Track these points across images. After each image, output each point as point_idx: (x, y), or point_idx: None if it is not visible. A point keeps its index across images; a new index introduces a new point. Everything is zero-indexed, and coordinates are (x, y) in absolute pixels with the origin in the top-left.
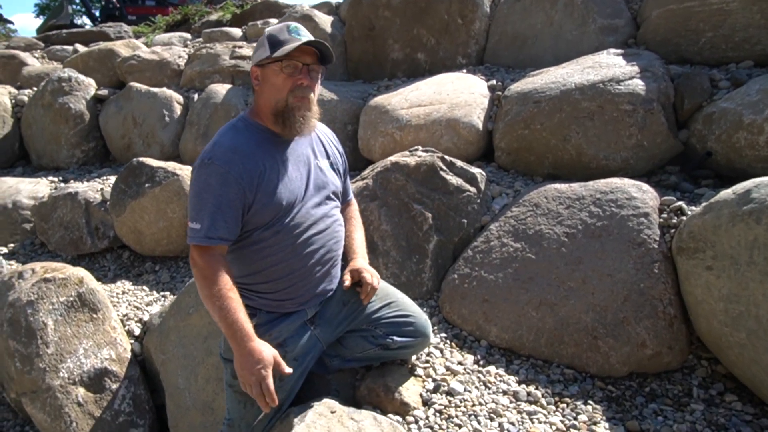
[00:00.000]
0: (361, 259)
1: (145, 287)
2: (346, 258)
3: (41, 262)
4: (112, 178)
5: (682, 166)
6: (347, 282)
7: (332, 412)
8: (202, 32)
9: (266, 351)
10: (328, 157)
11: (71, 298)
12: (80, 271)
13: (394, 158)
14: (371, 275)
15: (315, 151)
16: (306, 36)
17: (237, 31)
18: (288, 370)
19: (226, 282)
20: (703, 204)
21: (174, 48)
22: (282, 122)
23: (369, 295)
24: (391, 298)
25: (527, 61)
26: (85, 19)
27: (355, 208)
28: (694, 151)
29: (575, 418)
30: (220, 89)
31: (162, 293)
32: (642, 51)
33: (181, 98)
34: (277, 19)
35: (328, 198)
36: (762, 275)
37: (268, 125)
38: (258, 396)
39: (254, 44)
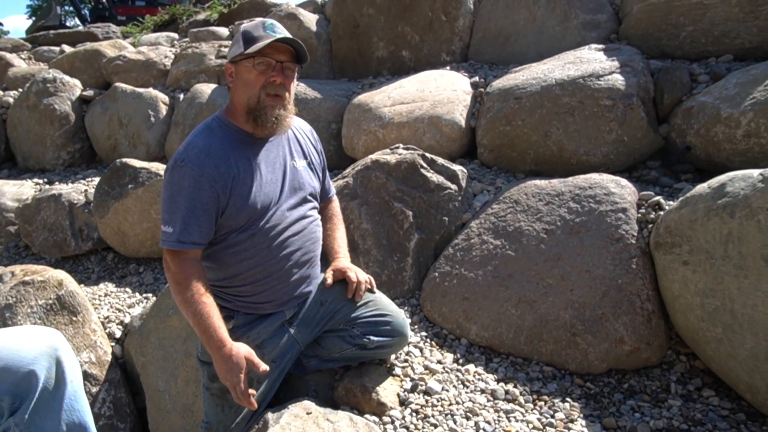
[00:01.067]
0: (343, 259)
1: (128, 289)
2: (327, 258)
3: (22, 265)
4: (97, 180)
5: (662, 160)
6: (329, 280)
7: (308, 413)
8: (189, 32)
9: (238, 354)
10: (305, 157)
11: (50, 301)
12: (60, 274)
13: (374, 156)
14: (355, 273)
15: (292, 151)
16: (281, 33)
17: (224, 31)
18: (264, 367)
19: (200, 287)
20: (680, 198)
21: (160, 48)
22: (254, 120)
23: (359, 290)
24: (369, 297)
25: (510, 57)
26: (78, 21)
27: (336, 205)
28: (675, 146)
29: (552, 416)
30: (206, 89)
31: (144, 295)
32: (623, 46)
33: (166, 98)
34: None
35: (305, 199)
36: (736, 269)
37: (241, 125)
38: (238, 400)
39: None
